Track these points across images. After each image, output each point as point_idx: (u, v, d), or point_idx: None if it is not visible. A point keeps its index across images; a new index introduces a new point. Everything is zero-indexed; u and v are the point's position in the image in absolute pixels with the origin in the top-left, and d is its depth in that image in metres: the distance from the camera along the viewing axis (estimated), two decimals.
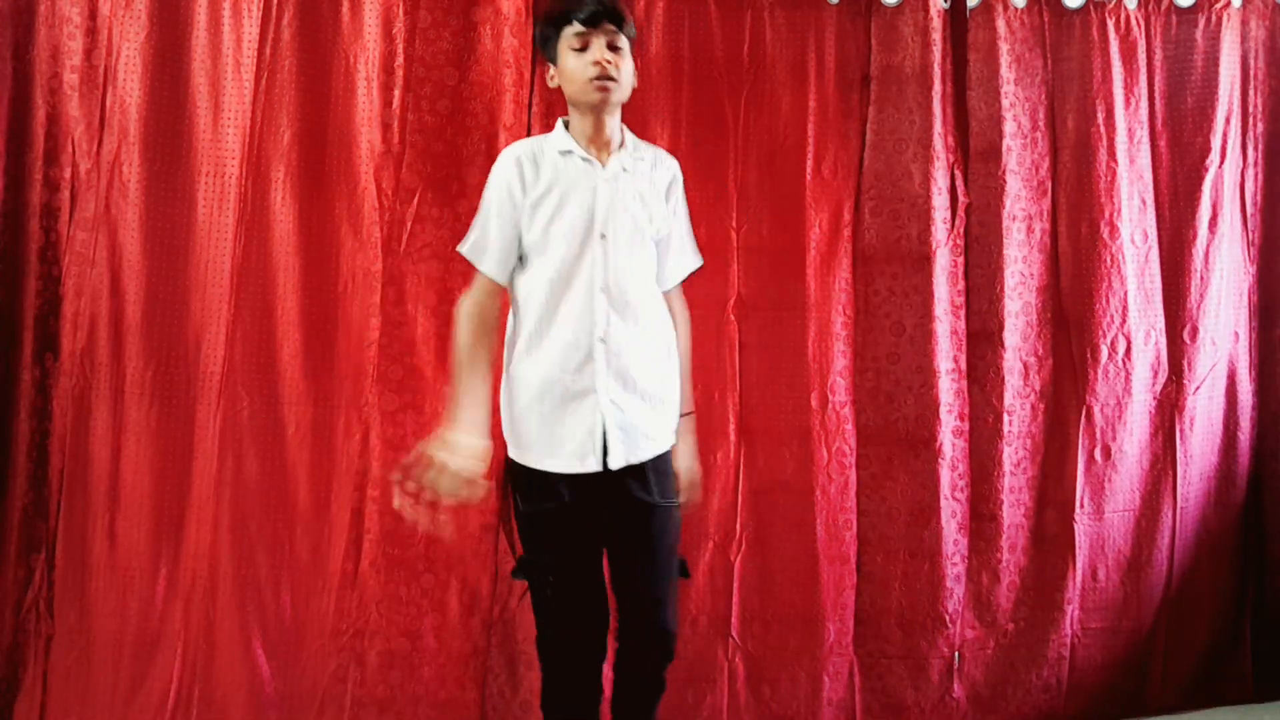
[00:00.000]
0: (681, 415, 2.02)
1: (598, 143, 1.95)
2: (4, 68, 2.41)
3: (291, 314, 2.47)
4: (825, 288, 2.66)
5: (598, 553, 1.95)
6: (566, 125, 1.98)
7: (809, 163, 2.65)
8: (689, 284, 2.10)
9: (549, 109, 2.51)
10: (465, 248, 1.95)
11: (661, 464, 1.95)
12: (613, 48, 1.89)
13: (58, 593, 2.40)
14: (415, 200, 2.48)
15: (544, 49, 1.98)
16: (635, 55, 2.53)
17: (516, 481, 1.95)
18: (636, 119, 2.55)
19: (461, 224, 2.50)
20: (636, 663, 1.97)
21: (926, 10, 2.67)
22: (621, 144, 1.98)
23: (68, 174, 2.43)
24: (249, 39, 2.46)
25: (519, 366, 1.91)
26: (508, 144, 2.49)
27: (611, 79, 1.88)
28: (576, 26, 1.88)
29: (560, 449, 1.87)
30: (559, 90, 1.98)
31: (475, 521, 2.47)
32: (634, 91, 1.99)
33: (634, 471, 1.90)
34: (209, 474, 2.43)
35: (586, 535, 1.91)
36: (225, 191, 2.46)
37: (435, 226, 2.49)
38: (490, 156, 2.51)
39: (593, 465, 1.87)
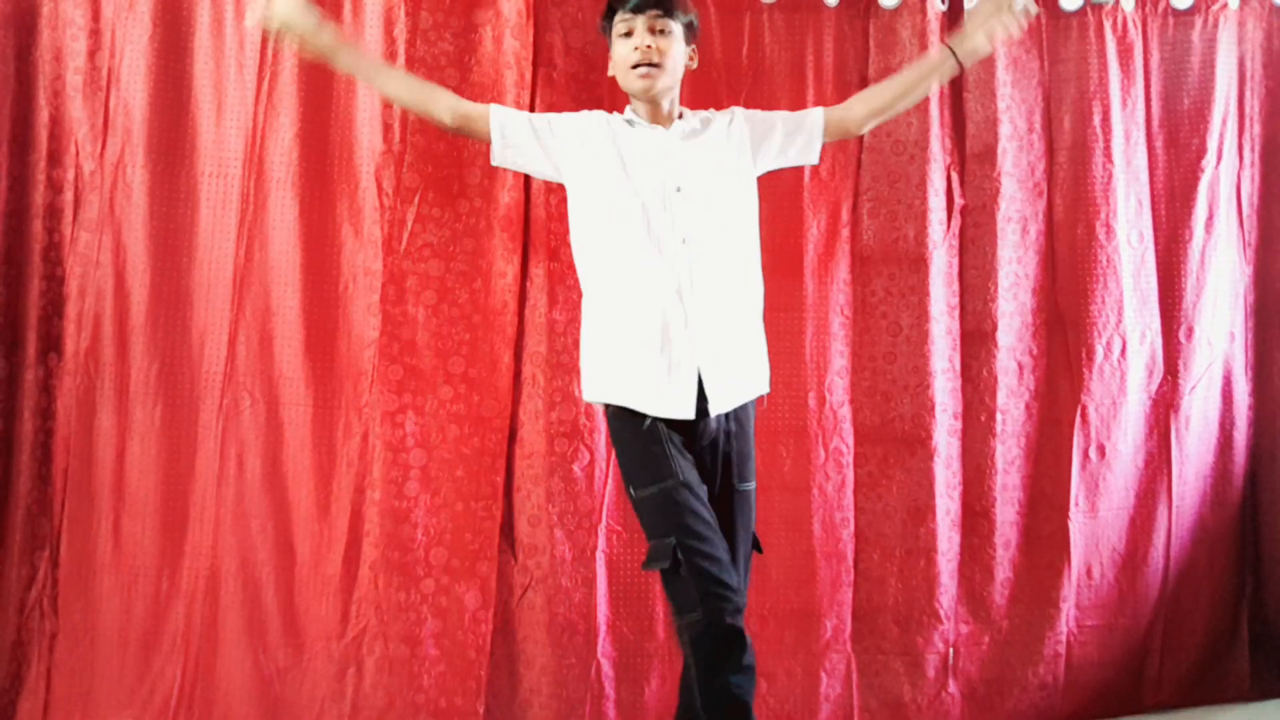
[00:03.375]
0: None
1: (657, 119, 1.99)
2: (7, 69, 2.42)
3: (293, 314, 2.48)
4: (823, 288, 2.67)
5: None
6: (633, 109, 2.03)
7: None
8: None
9: (550, 110, 2.50)
10: (497, 107, 2.03)
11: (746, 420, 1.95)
12: (657, 32, 1.92)
13: (61, 591, 2.42)
14: (416, 200, 2.49)
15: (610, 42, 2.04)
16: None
17: (627, 456, 1.89)
18: None
19: (462, 223, 2.52)
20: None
21: (924, 13, 2.68)
22: (681, 115, 2.02)
23: (71, 175, 2.45)
24: (251, 40, 2.46)
25: (609, 314, 1.91)
26: None
27: (653, 65, 1.90)
28: (623, 14, 1.92)
29: (665, 393, 1.84)
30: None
31: (476, 523, 2.48)
32: None
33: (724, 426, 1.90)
34: (211, 474, 2.44)
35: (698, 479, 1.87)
36: (228, 192, 2.47)
37: (436, 226, 2.50)
38: (490, 157, 2.53)
39: (690, 412, 1.85)
